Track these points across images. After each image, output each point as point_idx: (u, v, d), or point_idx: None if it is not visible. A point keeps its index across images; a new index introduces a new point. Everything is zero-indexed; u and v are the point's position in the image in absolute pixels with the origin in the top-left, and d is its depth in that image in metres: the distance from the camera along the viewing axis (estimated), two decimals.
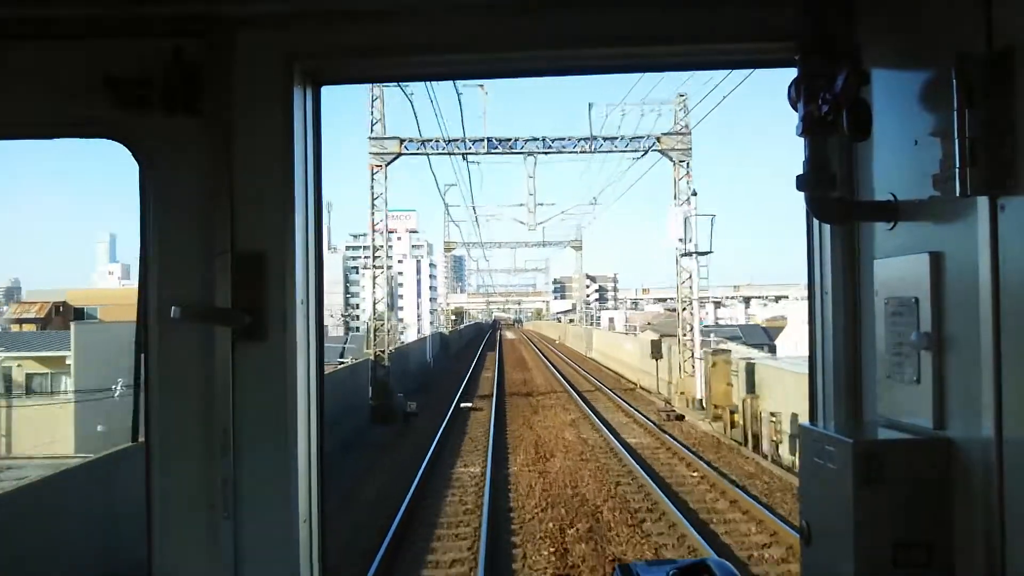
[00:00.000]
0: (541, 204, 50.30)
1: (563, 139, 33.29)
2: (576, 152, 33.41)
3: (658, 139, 32.53)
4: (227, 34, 2.16)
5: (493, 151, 33.32)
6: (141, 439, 2.22)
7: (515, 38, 2.25)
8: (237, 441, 2.15)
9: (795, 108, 1.99)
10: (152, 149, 2.20)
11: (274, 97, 2.20)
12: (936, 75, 1.71)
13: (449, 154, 34.00)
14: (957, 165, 1.57)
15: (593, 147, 32.85)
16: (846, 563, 1.77)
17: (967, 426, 1.68)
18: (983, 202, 1.58)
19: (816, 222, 2.23)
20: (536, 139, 33.20)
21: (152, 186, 2.21)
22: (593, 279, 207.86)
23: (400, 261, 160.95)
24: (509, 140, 33.24)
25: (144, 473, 2.20)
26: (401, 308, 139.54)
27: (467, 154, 34.35)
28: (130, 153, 2.22)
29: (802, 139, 2.00)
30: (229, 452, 2.15)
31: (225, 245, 2.16)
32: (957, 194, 1.58)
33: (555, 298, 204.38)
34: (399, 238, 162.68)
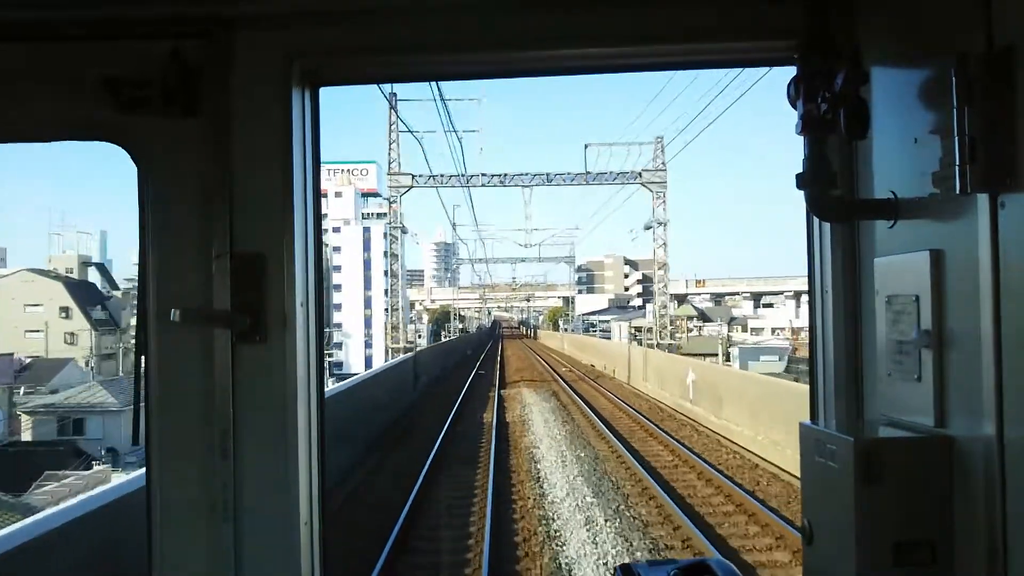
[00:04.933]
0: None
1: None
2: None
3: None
4: (226, 35, 2.15)
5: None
6: (141, 442, 2.23)
7: (515, 38, 2.24)
8: (237, 443, 2.15)
9: (794, 107, 1.99)
10: (151, 151, 2.20)
11: (273, 98, 2.19)
12: (936, 73, 1.71)
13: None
14: (957, 163, 1.57)
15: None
16: (847, 562, 1.76)
17: (968, 423, 1.67)
18: (983, 199, 1.58)
19: (816, 221, 2.23)
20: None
21: (151, 188, 2.21)
22: (635, 265, 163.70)
23: (337, 230, 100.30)
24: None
25: (144, 476, 2.22)
26: (339, 307, 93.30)
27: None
28: (128, 155, 2.21)
29: (801, 137, 1.99)
30: (229, 455, 2.15)
31: (224, 247, 2.15)
32: (957, 191, 1.58)
33: (580, 291, 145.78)
34: (337, 194, 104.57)
